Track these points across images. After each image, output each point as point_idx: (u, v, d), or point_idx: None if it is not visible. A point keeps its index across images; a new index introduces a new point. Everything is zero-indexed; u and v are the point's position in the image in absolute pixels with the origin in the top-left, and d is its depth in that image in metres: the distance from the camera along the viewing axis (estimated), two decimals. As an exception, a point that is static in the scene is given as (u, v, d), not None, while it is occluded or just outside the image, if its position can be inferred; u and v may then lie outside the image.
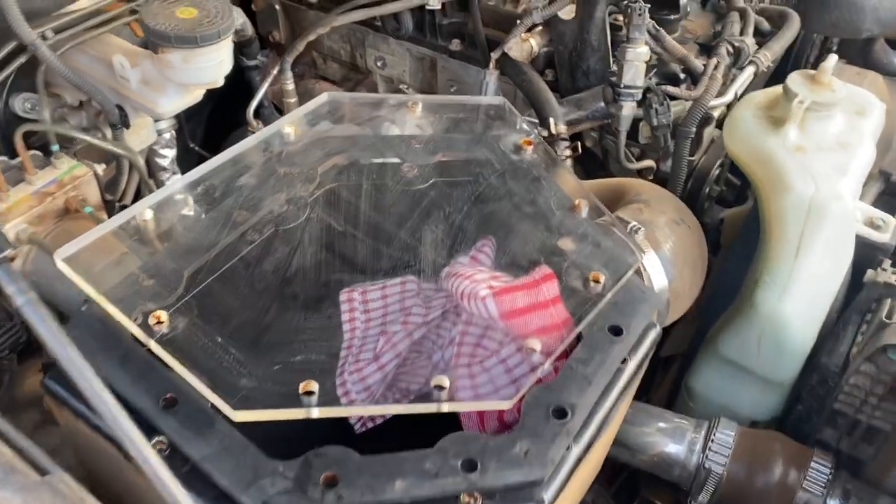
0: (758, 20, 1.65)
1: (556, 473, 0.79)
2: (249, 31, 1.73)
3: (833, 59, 1.22)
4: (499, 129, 1.13)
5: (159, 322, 0.81)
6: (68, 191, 1.10)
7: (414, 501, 0.75)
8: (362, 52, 1.89)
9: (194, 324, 0.85)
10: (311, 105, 1.13)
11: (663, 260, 1.14)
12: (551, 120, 1.43)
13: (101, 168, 1.15)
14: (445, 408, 0.82)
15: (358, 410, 0.99)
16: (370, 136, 1.10)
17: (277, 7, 1.95)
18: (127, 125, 1.24)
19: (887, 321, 1.06)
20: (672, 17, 1.60)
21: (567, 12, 1.51)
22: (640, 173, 1.55)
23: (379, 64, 1.87)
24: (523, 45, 1.57)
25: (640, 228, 1.13)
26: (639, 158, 1.57)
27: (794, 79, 1.22)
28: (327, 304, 0.96)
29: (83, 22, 1.15)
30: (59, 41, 1.13)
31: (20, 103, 1.30)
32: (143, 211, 0.93)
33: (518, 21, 1.53)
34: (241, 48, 1.76)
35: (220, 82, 1.19)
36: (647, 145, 1.53)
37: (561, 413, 0.83)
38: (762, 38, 1.65)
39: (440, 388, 0.82)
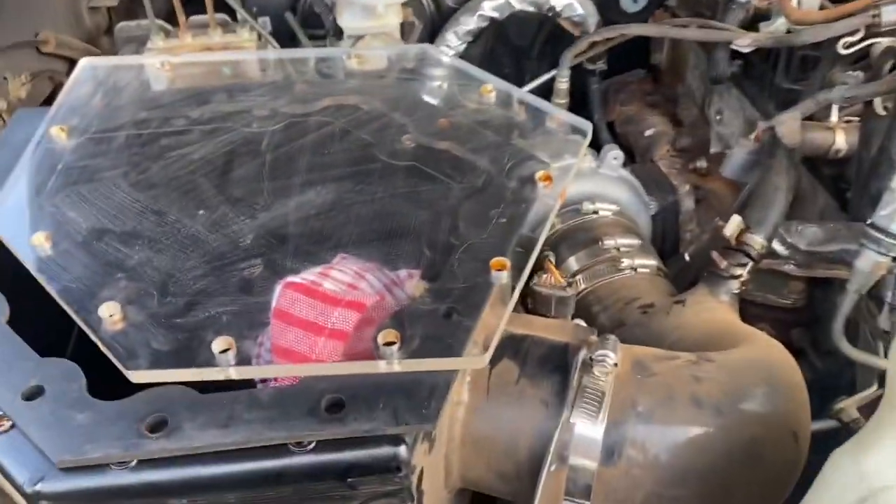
0: None
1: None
2: (592, 24, 1.57)
3: None
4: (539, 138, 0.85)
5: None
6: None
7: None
8: (710, 98, 1.56)
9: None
10: (404, 49, 1.01)
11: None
12: (735, 219, 0.98)
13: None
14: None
15: (285, 371, 0.72)
16: (414, 94, 0.93)
17: (666, 28, 1.74)
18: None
19: None
20: None
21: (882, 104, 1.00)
22: (881, 382, 0.97)
23: (718, 117, 1.53)
24: (820, 133, 1.10)
25: (610, 339, 0.73)
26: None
27: None
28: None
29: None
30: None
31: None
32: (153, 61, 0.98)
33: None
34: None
35: None
36: (888, 335, 0.94)
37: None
38: None
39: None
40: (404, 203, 0.81)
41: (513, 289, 0.71)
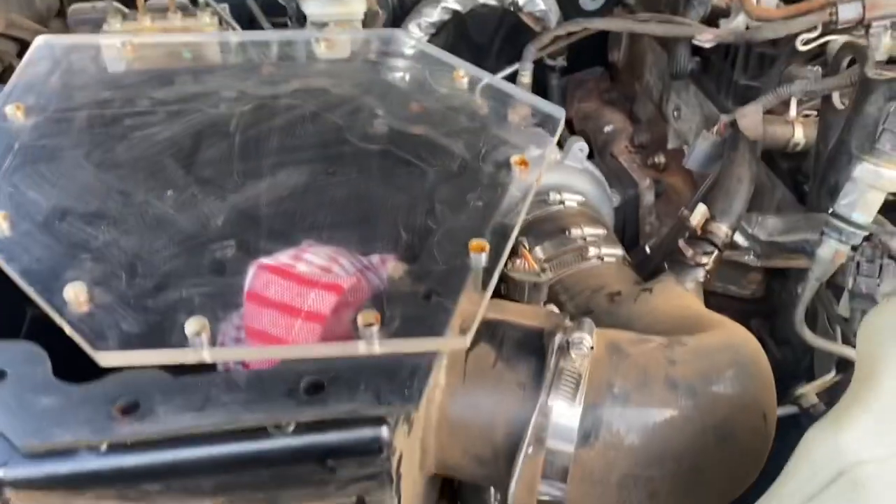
0: None
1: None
2: (553, 19, 1.58)
3: None
4: (510, 131, 0.85)
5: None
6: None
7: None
8: (667, 95, 1.59)
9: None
10: (372, 33, 1.00)
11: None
12: (700, 208, 1.00)
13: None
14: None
15: (263, 354, 0.69)
16: (384, 79, 0.92)
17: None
18: None
19: None
20: None
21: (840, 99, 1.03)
22: (839, 368, 1.00)
23: (675, 114, 1.56)
24: (780, 126, 1.13)
25: (585, 322, 0.73)
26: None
27: None
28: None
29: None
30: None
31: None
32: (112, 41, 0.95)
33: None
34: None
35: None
36: (847, 322, 0.96)
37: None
38: None
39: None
40: (379, 186, 0.80)
41: (492, 271, 0.71)
